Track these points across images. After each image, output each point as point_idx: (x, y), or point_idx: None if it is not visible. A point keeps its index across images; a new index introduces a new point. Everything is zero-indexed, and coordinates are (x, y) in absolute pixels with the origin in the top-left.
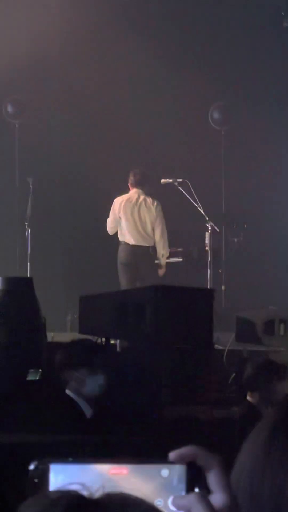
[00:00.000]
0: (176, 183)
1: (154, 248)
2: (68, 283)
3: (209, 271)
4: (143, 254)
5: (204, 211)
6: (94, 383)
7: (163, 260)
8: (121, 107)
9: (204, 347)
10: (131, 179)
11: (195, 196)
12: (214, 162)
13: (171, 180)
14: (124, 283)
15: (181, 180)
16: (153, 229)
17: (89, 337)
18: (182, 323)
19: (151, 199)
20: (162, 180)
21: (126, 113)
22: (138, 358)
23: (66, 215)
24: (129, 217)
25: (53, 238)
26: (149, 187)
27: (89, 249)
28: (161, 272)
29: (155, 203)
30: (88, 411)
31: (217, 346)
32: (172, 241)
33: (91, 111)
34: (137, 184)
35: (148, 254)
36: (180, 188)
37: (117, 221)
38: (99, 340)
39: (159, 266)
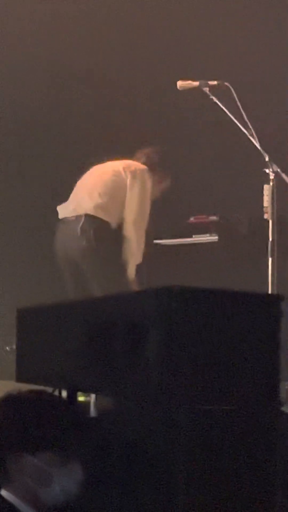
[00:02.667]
0: (207, 88)
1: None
2: None
3: (270, 259)
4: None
5: (260, 144)
6: (63, 481)
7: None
8: None
9: (263, 409)
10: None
11: (243, 113)
12: (280, 56)
13: (196, 83)
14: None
15: (216, 82)
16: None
17: (37, 387)
18: (221, 363)
19: None
20: (180, 83)
21: None
22: (133, 432)
23: None
24: None
25: None
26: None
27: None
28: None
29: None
30: None
31: (287, 408)
32: (198, 203)
33: None
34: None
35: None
36: (214, 98)
37: None
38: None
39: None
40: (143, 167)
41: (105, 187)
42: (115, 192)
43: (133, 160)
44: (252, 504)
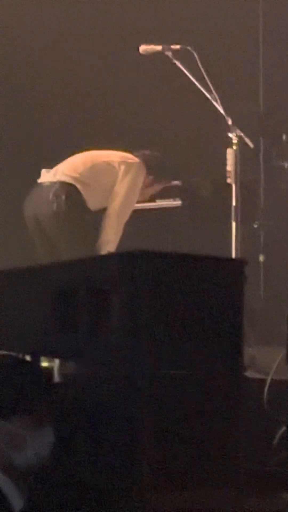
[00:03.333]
0: (170, 53)
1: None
2: None
3: (234, 224)
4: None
5: (223, 108)
6: (36, 446)
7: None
8: None
9: (226, 375)
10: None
11: (206, 77)
12: (245, 14)
13: (159, 48)
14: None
15: (178, 47)
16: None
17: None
18: (184, 328)
19: None
20: (142, 47)
21: None
22: (96, 397)
23: None
24: None
25: None
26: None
27: None
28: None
29: None
30: (16, 501)
31: (251, 373)
32: (163, 169)
33: None
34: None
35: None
36: (176, 62)
37: None
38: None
39: None
40: (138, 161)
41: (93, 168)
42: (101, 177)
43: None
44: (216, 468)
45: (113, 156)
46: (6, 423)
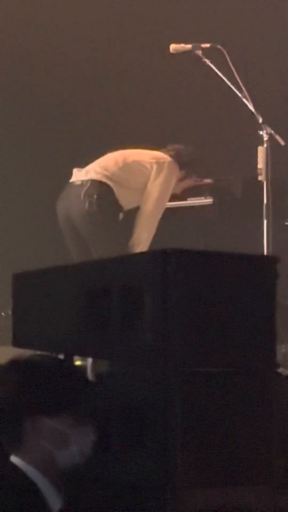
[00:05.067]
0: (200, 51)
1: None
2: None
3: (265, 222)
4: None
5: (254, 106)
6: (79, 443)
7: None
8: None
9: (259, 372)
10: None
11: (236, 76)
12: (276, 13)
13: (189, 46)
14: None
15: (208, 45)
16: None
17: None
18: (216, 325)
19: None
20: (173, 46)
21: None
22: (129, 396)
23: None
24: None
25: None
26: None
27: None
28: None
29: None
30: (54, 501)
31: (283, 370)
32: (195, 164)
33: None
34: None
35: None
36: (207, 60)
37: None
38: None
39: None
40: (171, 160)
41: (125, 167)
42: (133, 177)
43: (162, 152)
44: (250, 465)
45: (145, 155)
46: (49, 421)
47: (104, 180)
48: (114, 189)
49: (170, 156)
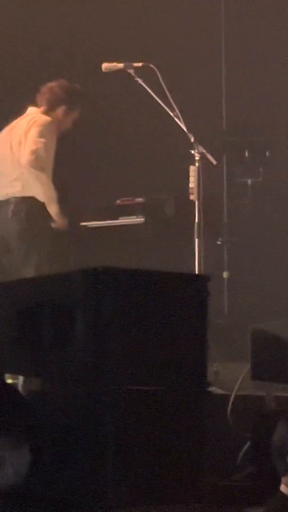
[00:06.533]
0: (132, 70)
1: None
2: None
3: (197, 241)
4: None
5: (186, 126)
6: (15, 464)
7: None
8: None
9: (190, 391)
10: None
11: (168, 95)
12: (208, 33)
13: (121, 65)
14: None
15: (141, 64)
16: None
17: None
18: (148, 343)
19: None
20: (105, 65)
21: None
22: (62, 413)
23: None
24: None
25: None
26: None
27: None
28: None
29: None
30: None
31: (214, 389)
32: (124, 185)
33: None
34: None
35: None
36: (139, 80)
37: None
38: None
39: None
40: (36, 117)
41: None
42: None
43: (38, 98)
44: (180, 483)
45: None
46: None
47: (23, 194)
48: (32, 194)
49: (47, 98)
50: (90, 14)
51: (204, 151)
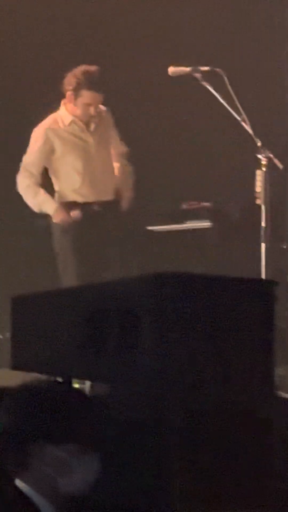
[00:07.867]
0: (199, 75)
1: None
2: None
3: (263, 245)
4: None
5: (253, 130)
6: (82, 471)
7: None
8: None
9: (256, 397)
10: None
11: (235, 100)
12: (273, 41)
13: (188, 69)
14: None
15: (207, 68)
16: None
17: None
18: (212, 347)
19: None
20: (171, 69)
21: None
22: (128, 419)
23: None
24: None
25: None
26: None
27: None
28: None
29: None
30: None
31: (282, 393)
32: (190, 190)
33: None
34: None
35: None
36: (205, 84)
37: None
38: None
39: None
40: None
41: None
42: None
43: (65, 84)
44: (248, 490)
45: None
46: (52, 447)
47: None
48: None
49: (74, 87)
50: (160, 16)
51: (270, 155)
